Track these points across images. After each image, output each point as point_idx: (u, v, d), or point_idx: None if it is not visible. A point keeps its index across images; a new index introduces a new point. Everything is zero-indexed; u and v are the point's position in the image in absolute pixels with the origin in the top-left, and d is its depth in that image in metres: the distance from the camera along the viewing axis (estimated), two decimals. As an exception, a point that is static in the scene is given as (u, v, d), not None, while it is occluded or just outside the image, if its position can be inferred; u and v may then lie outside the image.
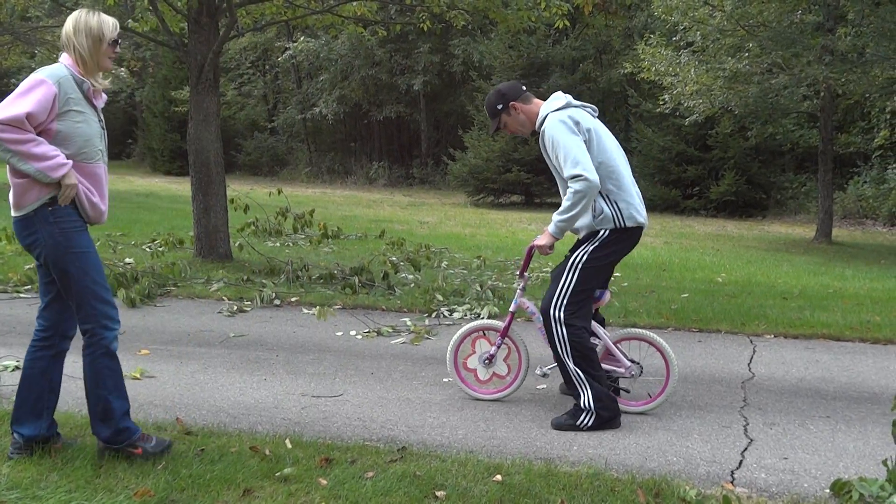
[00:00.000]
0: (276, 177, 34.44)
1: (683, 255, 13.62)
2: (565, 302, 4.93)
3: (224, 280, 8.96)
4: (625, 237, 5.00)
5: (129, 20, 12.54)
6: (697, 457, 4.51)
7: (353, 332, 7.16)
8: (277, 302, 8.23)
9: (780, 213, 22.81)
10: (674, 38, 17.47)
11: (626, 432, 4.88)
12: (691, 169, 22.46)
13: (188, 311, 7.92)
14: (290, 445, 4.46)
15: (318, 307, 7.20)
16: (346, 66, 31.13)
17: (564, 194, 4.92)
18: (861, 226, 20.56)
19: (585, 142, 4.84)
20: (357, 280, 8.79)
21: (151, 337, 6.88)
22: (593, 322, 5.24)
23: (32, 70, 19.76)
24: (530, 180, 23.14)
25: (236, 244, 10.81)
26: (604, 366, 5.21)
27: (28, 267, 9.26)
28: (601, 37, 30.94)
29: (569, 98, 5.06)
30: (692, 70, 15.78)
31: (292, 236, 13.50)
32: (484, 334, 5.53)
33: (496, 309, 7.89)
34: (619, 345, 5.29)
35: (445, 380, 5.83)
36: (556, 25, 10.86)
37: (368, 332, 7.15)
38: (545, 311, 5.00)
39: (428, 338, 7.06)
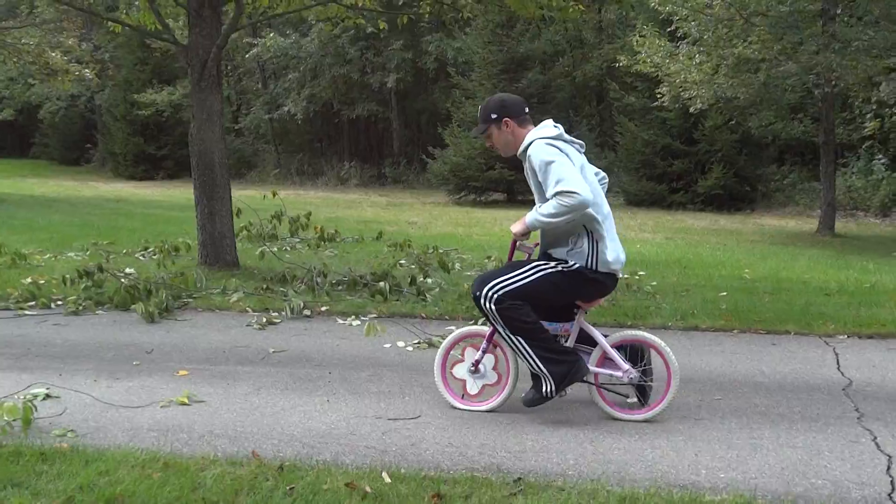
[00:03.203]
0: (243, 179, 33.56)
1: (693, 251, 13.20)
2: (504, 294, 4.71)
3: (242, 290, 8.35)
4: (593, 280, 4.76)
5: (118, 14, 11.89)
6: (842, 478, 4.05)
7: (401, 344, 6.60)
8: (307, 312, 7.65)
9: (769, 205, 22.50)
10: (668, 30, 17.06)
11: (751, 450, 4.41)
12: (677, 163, 22.10)
13: (213, 324, 7.31)
14: (388, 479, 3.94)
15: (367, 324, 6.61)
16: (316, 64, 30.44)
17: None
18: (853, 217, 20.32)
19: None
20: (387, 286, 8.24)
21: (184, 355, 6.28)
22: (586, 323, 4.94)
23: None
24: (513, 177, 22.59)
25: (257, 251, 10.22)
26: (599, 370, 4.87)
27: (28, 281, 8.61)
28: (571, 31, 30.60)
29: (561, 130, 4.83)
30: (696, 57, 15.38)
31: (288, 240, 12.89)
32: (473, 342, 5.17)
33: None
34: (616, 348, 4.90)
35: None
36: (571, 15, 10.39)
37: (419, 343, 6.59)
38: (476, 289, 4.82)
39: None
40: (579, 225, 4.70)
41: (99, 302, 7.87)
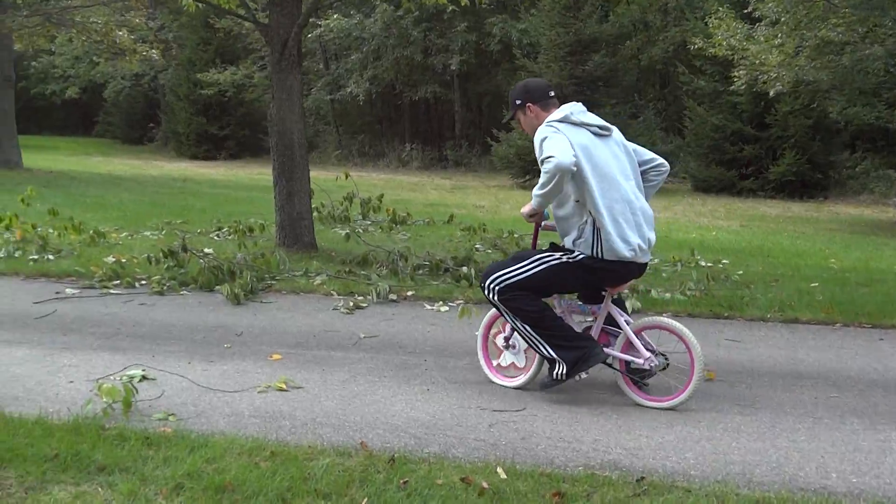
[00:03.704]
0: (304, 160, 33.60)
1: (771, 239, 12.89)
2: (508, 285, 4.81)
3: (325, 272, 8.25)
4: (600, 268, 4.74)
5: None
6: None
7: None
8: (393, 297, 7.52)
9: (842, 193, 21.92)
10: (744, 11, 16.62)
11: (880, 453, 4.19)
12: (748, 148, 21.60)
13: (300, 307, 7.20)
14: (504, 475, 3.79)
15: (461, 307, 6.47)
16: (379, 45, 30.27)
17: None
18: (930, 206, 19.76)
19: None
20: (472, 271, 8.08)
21: (274, 339, 6.18)
22: (614, 308, 4.93)
23: (52, 54, 19.50)
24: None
25: (343, 234, 10.14)
26: (623, 356, 4.87)
27: (112, 260, 8.59)
28: (636, 13, 30.14)
29: (572, 111, 4.84)
30: (778, 38, 14.94)
31: (360, 222, 12.79)
32: None
33: (638, 304, 7.18)
34: (639, 334, 4.83)
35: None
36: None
37: (512, 331, 6.44)
38: (481, 280, 4.95)
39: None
40: (585, 211, 4.67)
41: (183, 282, 7.81)
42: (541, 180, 4.58)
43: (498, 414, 4.67)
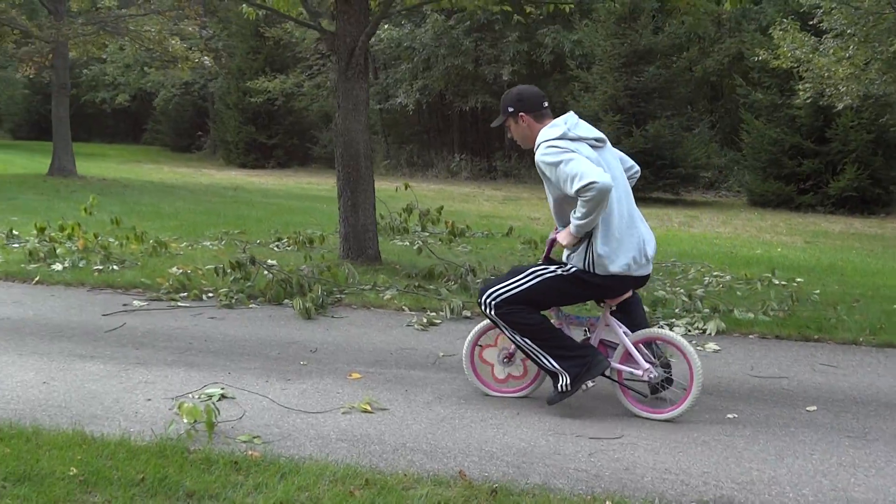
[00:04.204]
0: (352, 169, 33.53)
1: (840, 257, 12.52)
2: (504, 300, 4.76)
3: (395, 287, 8.06)
4: (593, 282, 4.70)
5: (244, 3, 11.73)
6: None
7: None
8: (467, 313, 7.31)
9: (905, 209, 21.49)
10: (810, 23, 16.28)
11: None
12: (807, 163, 21.15)
13: (372, 323, 7.02)
14: (614, 510, 3.57)
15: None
16: (430, 55, 30.13)
17: (558, 219, 4.86)
18: None
19: None
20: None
21: (350, 356, 6.00)
22: (614, 320, 4.87)
23: (104, 62, 19.58)
24: (635, 174, 21.99)
25: (414, 246, 9.99)
26: (622, 367, 4.84)
27: (178, 270, 8.46)
28: (686, 26, 29.73)
29: (568, 127, 4.73)
30: (849, 50, 14.59)
31: (419, 234, 12.61)
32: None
33: (722, 324, 6.91)
34: (638, 346, 4.82)
35: (730, 416, 4.89)
36: (726, 6, 9.88)
37: (595, 351, 6.20)
38: (479, 296, 4.92)
39: (673, 360, 6.08)
40: None
41: (251, 295, 7.66)
42: (584, 209, 4.45)
43: (595, 442, 4.44)
